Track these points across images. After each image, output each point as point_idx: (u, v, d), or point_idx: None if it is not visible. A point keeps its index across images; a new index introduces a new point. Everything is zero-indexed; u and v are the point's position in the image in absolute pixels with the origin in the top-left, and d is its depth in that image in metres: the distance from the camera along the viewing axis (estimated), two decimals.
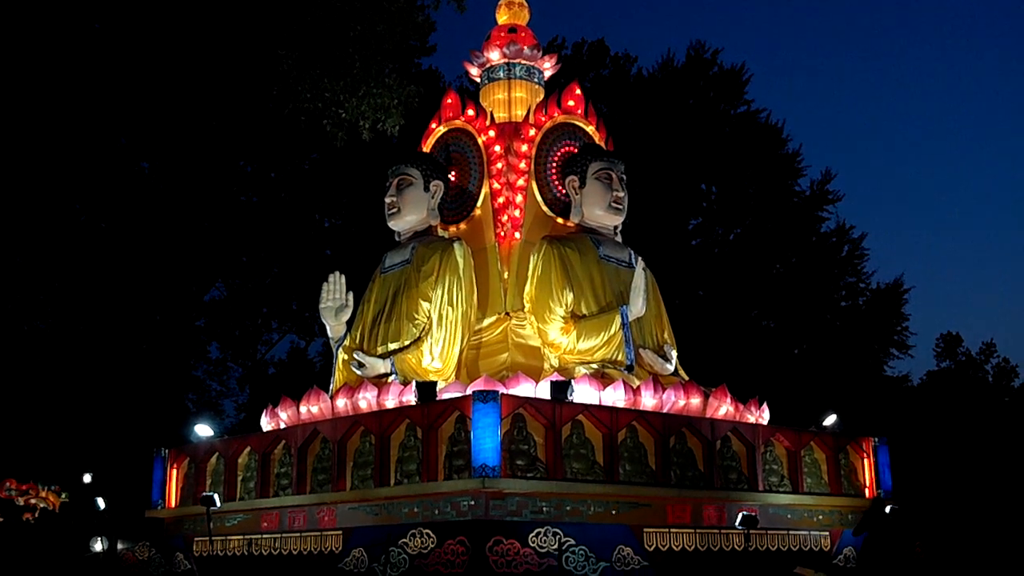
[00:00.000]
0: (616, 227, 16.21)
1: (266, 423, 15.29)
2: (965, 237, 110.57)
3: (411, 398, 13.18)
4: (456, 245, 15.24)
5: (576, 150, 16.19)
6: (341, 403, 13.96)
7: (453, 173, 16.32)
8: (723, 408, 14.37)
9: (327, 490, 13.18)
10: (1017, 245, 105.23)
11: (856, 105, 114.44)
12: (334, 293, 15.55)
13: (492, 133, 16.18)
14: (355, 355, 14.88)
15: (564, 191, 15.91)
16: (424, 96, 15.40)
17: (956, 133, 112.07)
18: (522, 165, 15.92)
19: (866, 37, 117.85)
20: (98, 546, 16.20)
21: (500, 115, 16.80)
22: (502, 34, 17.44)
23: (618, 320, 14.65)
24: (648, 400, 13.58)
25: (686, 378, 15.25)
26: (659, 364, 15.04)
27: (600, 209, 15.75)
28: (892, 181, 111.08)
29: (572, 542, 11.68)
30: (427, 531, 11.66)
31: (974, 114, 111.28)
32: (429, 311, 14.87)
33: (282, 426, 14.74)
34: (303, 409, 14.46)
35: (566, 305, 14.78)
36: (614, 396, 13.40)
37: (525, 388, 13.13)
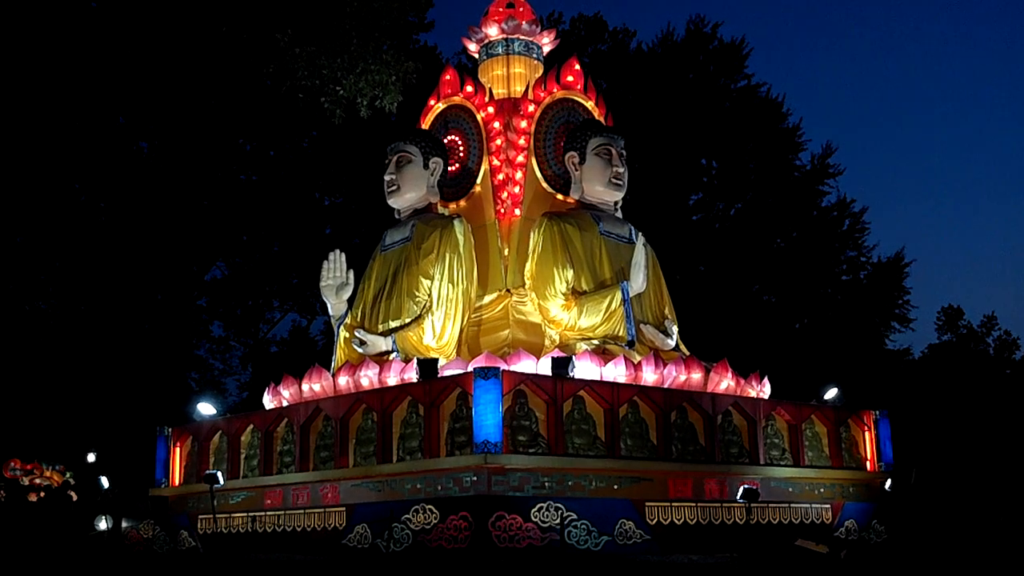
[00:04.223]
0: (616, 203, 16.18)
1: (268, 401, 15.34)
2: (966, 211, 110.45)
3: (413, 375, 13.20)
4: (456, 222, 15.22)
5: (575, 125, 16.14)
6: (343, 381, 13.99)
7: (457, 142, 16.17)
8: (724, 383, 14.39)
9: (330, 467, 13.24)
10: (1018, 218, 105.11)
11: (856, 79, 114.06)
12: (334, 271, 15.55)
13: (491, 109, 16.12)
14: (356, 333, 14.90)
15: (564, 167, 15.87)
16: (422, 73, 15.35)
17: (957, 106, 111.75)
18: (521, 141, 15.88)
19: (866, 10, 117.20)
20: (103, 525, 16.26)
21: (499, 91, 16.73)
22: (500, 9, 17.35)
23: (619, 296, 14.66)
24: (649, 375, 13.61)
25: (687, 353, 15.27)
26: (660, 339, 15.06)
27: (600, 185, 15.73)
28: (893, 155, 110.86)
29: (574, 517, 11.75)
30: (430, 507, 11.73)
31: (975, 86, 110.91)
32: (430, 288, 14.87)
33: (284, 404, 14.78)
34: (305, 387, 14.50)
35: (567, 281, 14.79)
36: (615, 372, 13.42)
37: (526, 364, 13.16)
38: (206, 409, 15.91)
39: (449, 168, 16.05)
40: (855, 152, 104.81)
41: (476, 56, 17.71)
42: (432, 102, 16.97)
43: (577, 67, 16.83)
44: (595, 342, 14.40)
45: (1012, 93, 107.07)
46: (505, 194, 15.81)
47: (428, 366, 12.99)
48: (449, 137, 16.47)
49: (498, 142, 15.95)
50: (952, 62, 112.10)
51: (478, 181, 16.00)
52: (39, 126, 22.52)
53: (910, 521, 13.92)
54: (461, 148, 16.32)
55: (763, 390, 15.19)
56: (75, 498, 18.32)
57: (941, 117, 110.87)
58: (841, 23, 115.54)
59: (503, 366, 12.48)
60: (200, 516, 15.14)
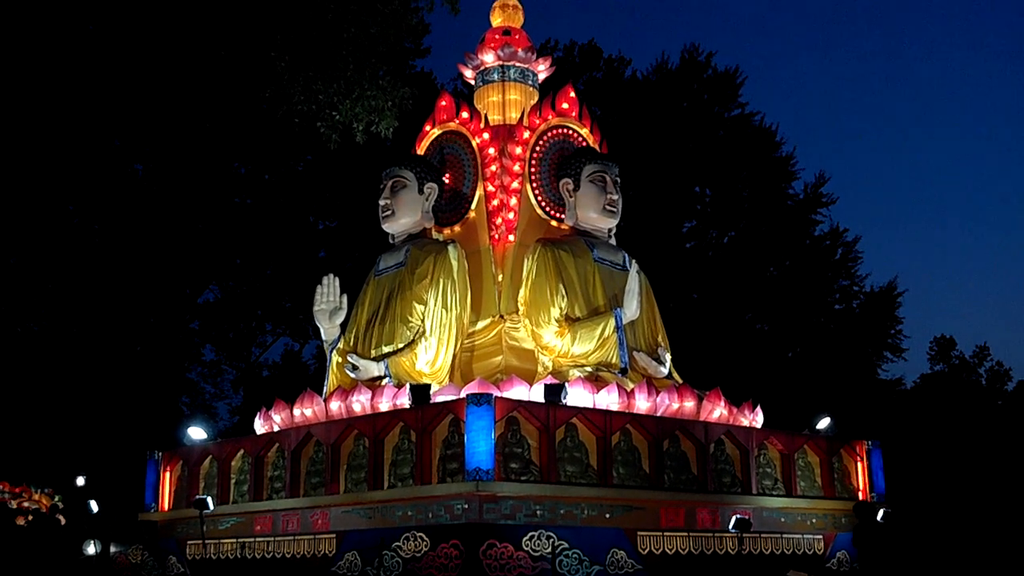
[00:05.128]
0: (610, 230, 16.20)
1: (260, 426, 15.26)
2: (958, 240, 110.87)
3: (405, 401, 13.15)
4: (450, 248, 15.22)
5: (570, 152, 16.19)
6: (335, 406, 13.93)
7: (447, 176, 16.29)
8: (717, 411, 14.36)
9: (320, 493, 13.16)
10: (1010, 248, 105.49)
11: (850, 108, 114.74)
12: (328, 296, 15.53)
13: (486, 135, 16.16)
14: (349, 358, 14.85)
15: (558, 193, 15.89)
16: (418, 98, 15.39)
17: (950, 136, 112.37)
18: (516, 168, 15.91)
19: (859, 40, 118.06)
20: (91, 549, 16.13)
21: (494, 117, 16.78)
22: (496, 36, 17.43)
23: (612, 323, 14.64)
24: (642, 403, 13.57)
25: (680, 381, 15.25)
26: (653, 367, 15.03)
27: (594, 212, 15.75)
28: (886, 184, 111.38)
29: (566, 545, 11.68)
30: (420, 534, 11.65)
31: (968, 118, 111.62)
32: (423, 314, 14.85)
33: (276, 429, 14.70)
34: (297, 412, 14.43)
35: (560, 308, 14.77)
36: (608, 399, 13.38)
37: (519, 391, 13.11)
38: (197, 433, 15.83)
39: (444, 193, 16.08)
40: (848, 182, 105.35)
41: (472, 82, 17.77)
42: (428, 127, 17.01)
43: (572, 94, 16.89)
44: (588, 369, 14.36)
45: (1005, 123, 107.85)
46: (499, 220, 15.82)
47: (420, 392, 12.95)
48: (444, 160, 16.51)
49: (493, 168, 15.98)
50: (946, 92, 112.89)
51: (472, 207, 16.01)
52: (34, 147, 22.51)
53: (881, 558, 13.80)
54: (456, 173, 16.34)
55: (756, 419, 15.16)
56: (63, 522, 18.19)
57: (934, 147, 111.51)
58: (834, 55, 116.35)
59: (496, 392, 12.44)
60: (189, 541, 15.03)
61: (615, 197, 15.82)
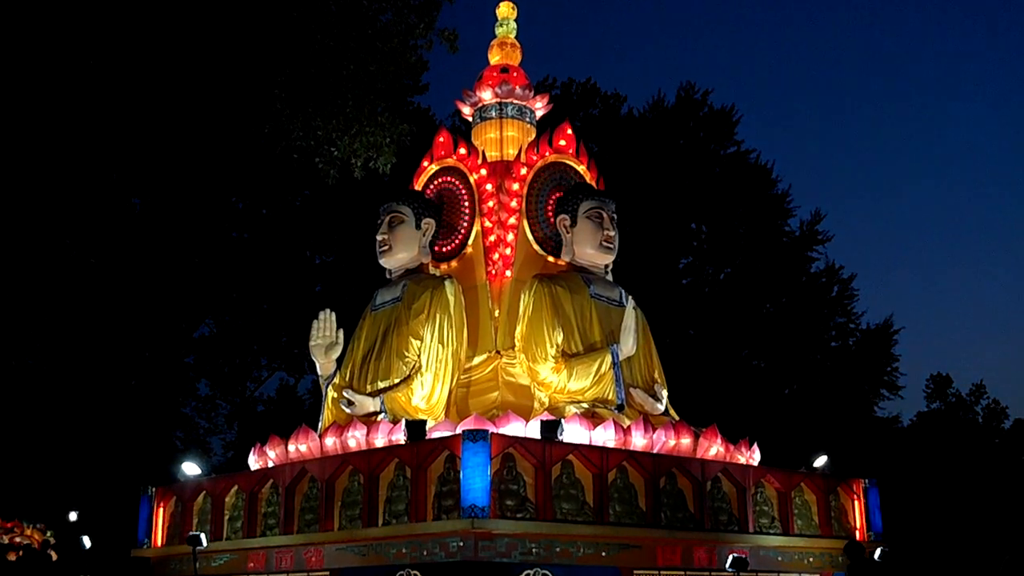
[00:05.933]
0: (607, 266, 16.22)
1: (254, 462, 15.17)
2: (955, 278, 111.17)
3: (400, 437, 13.10)
4: (447, 283, 15.23)
5: (567, 189, 16.25)
6: (330, 442, 13.86)
7: (445, 212, 16.34)
8: (713, 448, 14.32)
9: (314, 530, 13.06)
10: (1007, 286, 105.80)
11: (845, 147, 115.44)
12: (324, 331, 15.49)
13: (484, 171, 16.23)
14: (345, 393, 14.79)
15: (555, 229, 15.93)
16: (416, 134, 15.47)
17: (945, 174, 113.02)
18: (513, 204, 15.96)
19: (854, 79, 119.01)
20: None
21: (492, 154, 16.86)
22: (494, 74, 17.55)
23: (608, 359, 14.62)
24: (638, 440, 13.53)
25: (676, 418, 15.21)
26: (649, 403, 15.00)
27: (591, 248, 15.77)
28: (882, 222, 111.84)
29: None
30: (415, 572, 11.58)
31: (964, 155, 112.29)
32: (419, 349, 14.82)
33: (270, 465, 14.62)
34: (291, 447, 14.36)
35: (556, 344, 14.75)
36: (604, 436, 13.34)
37: (515, 427, 13.07)
38: (191, 469, 15.73)
39: (440, 229, 16.12)
40: (844, 219, 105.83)
41: (470, 119, 17.87)
42: (425, 163, 17.08)
43: (569, 131, 16.97)
44: (584, 405, 14.32)
45: (1002, 161, 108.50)
46: (496, 255, 15.85)
47: (416, 428, 12.90)
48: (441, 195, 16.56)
49: (490, 204, 16.03)
50: (942, 131, 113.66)
51: (470, 242, 16.04)
52: (30, 180, 22.52)
53: None
54: (454, 209, 16.38)
55: (752, 456, 15.11)
56: (55, 558, 18.03)
57: (930, 184, 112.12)
58: (830, 93, 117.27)
59: (492, 429, 12.39)
60: None
61: (612, 233, 15.85)
